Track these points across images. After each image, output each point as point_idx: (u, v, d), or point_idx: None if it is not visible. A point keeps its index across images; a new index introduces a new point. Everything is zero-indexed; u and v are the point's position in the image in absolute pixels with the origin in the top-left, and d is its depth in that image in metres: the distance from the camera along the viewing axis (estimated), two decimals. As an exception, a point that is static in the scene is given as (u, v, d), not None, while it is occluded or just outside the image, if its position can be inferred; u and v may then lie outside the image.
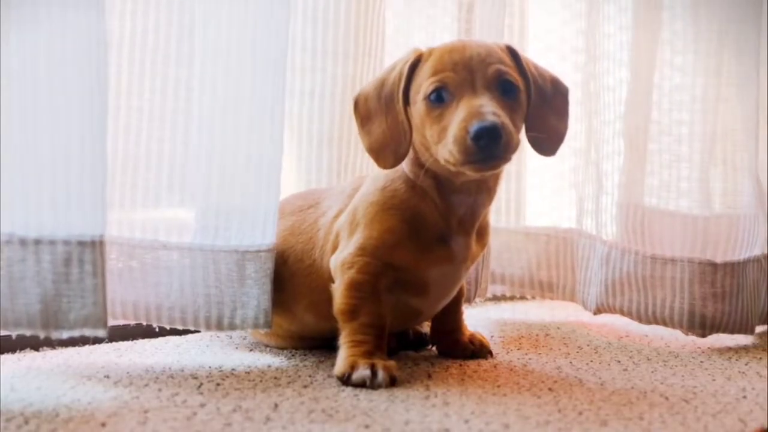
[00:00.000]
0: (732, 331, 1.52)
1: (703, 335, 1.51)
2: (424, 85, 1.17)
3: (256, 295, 1.27)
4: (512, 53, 1.21)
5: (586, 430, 0.98)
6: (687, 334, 1.52)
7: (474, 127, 1.09)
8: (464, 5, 1.63)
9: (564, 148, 1.69)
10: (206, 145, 1.26)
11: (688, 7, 1.55)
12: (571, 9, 1.72)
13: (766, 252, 1.58)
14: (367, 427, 0.97)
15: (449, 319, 1.36)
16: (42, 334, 1.10)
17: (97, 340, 1.37)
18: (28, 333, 1.10)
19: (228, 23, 1.25)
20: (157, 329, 1.40)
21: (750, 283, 1.53)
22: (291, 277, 1.30)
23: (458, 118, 1.12)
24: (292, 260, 1.30)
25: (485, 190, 1.23)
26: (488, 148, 1.09)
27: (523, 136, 1.22)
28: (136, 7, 1.27)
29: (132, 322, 1.30)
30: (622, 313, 1.56)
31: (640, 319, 1.55)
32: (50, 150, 1.10)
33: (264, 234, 1.27)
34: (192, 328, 1.29)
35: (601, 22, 1.60)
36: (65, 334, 1.10)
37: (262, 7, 1.25)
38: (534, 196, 1.80)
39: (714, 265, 1.50)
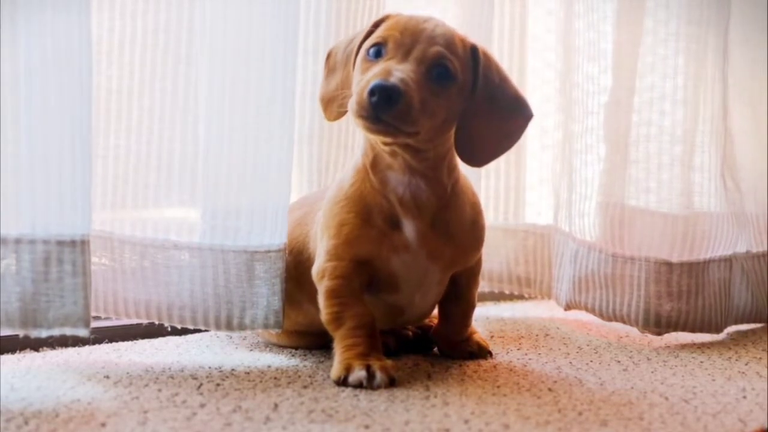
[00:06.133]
0: (693, 330, 1.53)
1: (659, 333, 1.53)
2: (370, 39, 1.18)
3: (266, 295, 1.27)
4: (473, 51, 1.20)
5: (586, 430, 0.98)
6: (643, 332, 1.54)
7: (374, 82, 1.09)
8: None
9: (551, 148, 1.72)
10: (215, 144, 1.27)
11: (671, 10, 1.56)
12: (571, 9, 1.72)
13: (741, 251, 1.60)
14: (367, 427, 0.97)
15: (452, 329, 1.35)
16: (21, 333, 1.10)
17: (96, 340, 1.36)
18: (7, 331, 1.10)
19: (238, 23, 1.25)
20: (157, 329, 1.40)
21: (714, 283, 1.55)
22: (296, 268, 1.30)
23: (372, 72, 1.12)
24: (296, 252, 1.31)
25: (419, 174, 1.20)
26: (378, 108, 1.08)
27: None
28: (147, 7, 1.27)
29: (144, 321, 1.31)
30: (586, 309, 1.59)
31: (602, 316, 1.57)
32: (31, 150, 1.09)
33: (273, 234, 1.27)
34: (203, 328, 1.29)
35: (596, 22, 1.60)
36: (44, 333, 1.10)
37: (273, 6, 1.25)
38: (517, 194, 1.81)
39: (669, 265, 1.52)
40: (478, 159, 1.24)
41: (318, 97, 1.27)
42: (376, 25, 1.21)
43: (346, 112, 1.18)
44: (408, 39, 1.15)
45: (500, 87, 1.22)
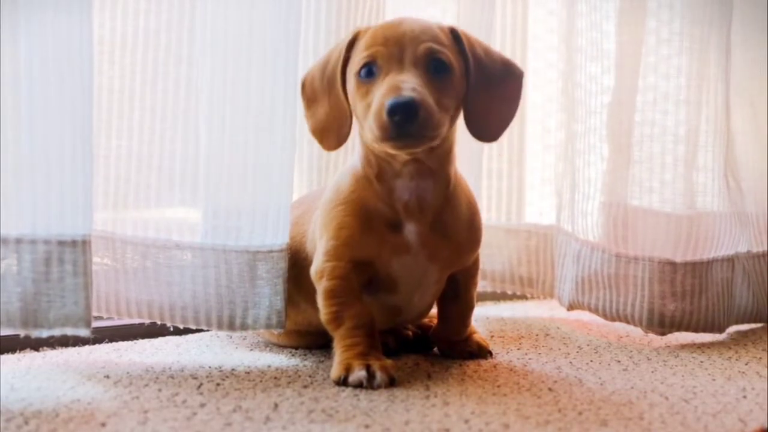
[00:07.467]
0: (696, 330, 1.53)
1: (663, 333, 1.53)
2: (355, 61, 1.17)
3: (268, 295, 1.27)
4: (454, 34, 1.20)
5: (586, 430, 0.98)
6: (646, 333, 1.54)
7: (389, 102, 1.08)
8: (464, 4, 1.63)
9: (553, 148, 1.72)
10: (216, 144, 1.27)
11: (674, 9, 1.56)
12: (573, 8, 1.71)
13: (743, 251, 1.60)
14: (367, 427, 0.97)
15: (451, 330, 1.35)
16: (22, 333, 1.10)
17: (96, 340, 1.37)
18: (7, 331, 1.10)
19: (239, 23, 1.25)
20: (157, 329, 1.40)
21: (717, 283, 1.55)
22: (293, 267, 1.30)
23: (380, 93, 1.11)
24: (293, 251, 1.31)
25: (428, 174, 1.20)
26: (403, 125, 1.08)
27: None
28: (149, 7, 1.28)
29: (146, 321, 1.31)
30: (590, 309, 1.59)
31: (605, 317, 1.57)
32: (32, 150, 1.09)
33: (276, 234, 1.28)
34: (205, 328, 1.29)
35: (599, 22, 1.60)
36: (45, 333, 1.10)
37: (275, 8, 1.25)
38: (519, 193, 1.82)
39: (673, 264, 1.52)
40: (490, 132, 1.24)
41: (309, 131, 1.25)
42: (351, 44, 1.20)
43: (345, 139, 1.19)
44: (394, 47, 1.14)
45: (488, 58, 1.23)
